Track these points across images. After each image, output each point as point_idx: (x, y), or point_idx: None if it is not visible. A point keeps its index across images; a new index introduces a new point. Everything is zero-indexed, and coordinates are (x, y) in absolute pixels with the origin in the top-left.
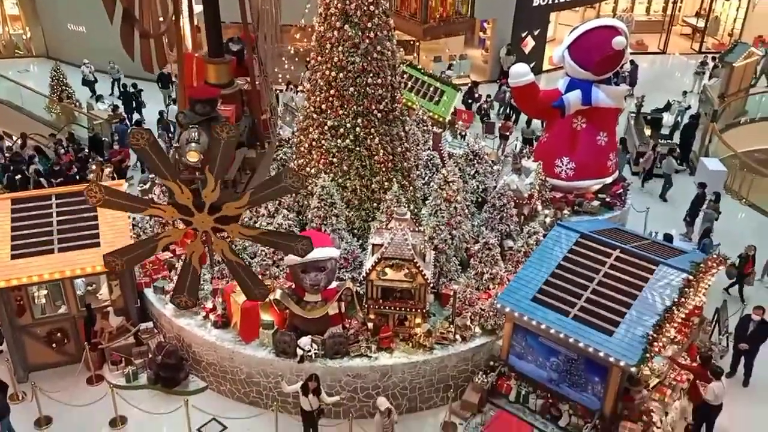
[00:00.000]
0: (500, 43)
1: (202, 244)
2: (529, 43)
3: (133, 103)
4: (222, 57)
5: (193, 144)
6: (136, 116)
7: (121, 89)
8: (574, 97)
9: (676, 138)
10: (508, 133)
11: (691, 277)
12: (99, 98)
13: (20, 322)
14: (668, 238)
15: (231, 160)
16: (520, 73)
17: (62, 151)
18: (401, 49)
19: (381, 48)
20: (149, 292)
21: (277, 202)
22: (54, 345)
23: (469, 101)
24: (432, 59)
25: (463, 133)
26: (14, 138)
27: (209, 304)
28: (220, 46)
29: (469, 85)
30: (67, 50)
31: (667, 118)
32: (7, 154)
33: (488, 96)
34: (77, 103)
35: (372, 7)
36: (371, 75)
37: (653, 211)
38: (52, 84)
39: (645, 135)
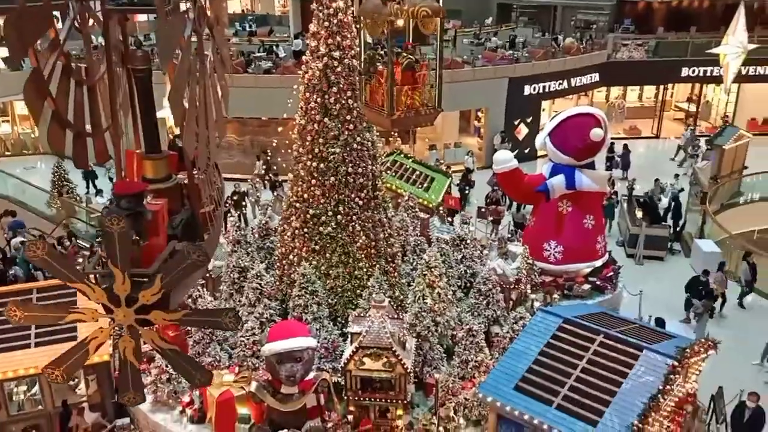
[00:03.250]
0: (494, 131)
1: (131, 339)
2: (523, 131)
3: None
4: (159, 152)
5: None
6: None
7: None
8: (557, 182)
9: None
10: (499, 218)
11: (676, 363)
12: (99, 192)
13: None
14: (660, 322)
15: (131, 250)
16: (504, 159)
17: (68, 244)
18: (398, 139)
19: (361, 139)
20: None
21: (258, 291)
22: None
23: (466, 188)
24: (428, 147)
25: (450, 220)
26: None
27: (186, 398)
28: (156, 142)
29: (464, 171)
30: (70, 147)
31: (663, 201)
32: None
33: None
34: (77, 198)
35: (351, 101)
36: (351, 165)
37: (649, 294)
38: (53, 180)
39: (637, 217)
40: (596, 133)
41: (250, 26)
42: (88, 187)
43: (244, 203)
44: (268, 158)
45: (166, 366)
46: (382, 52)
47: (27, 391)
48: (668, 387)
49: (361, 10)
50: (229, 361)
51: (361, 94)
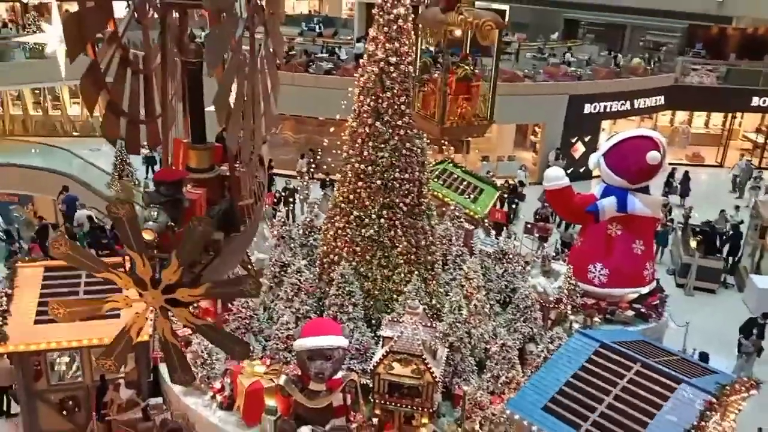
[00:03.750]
0: (549, 147)
1: (165, 319)
2: (580, 149)
3: None
4: (204, 143)
5: (150, 223)
6: None
7: None
8: (608, 204)
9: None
10: (547, 235)
11: (714, 400)
12: None
13: (36, 387)
14: (704, 356)
15: (200, 251)
16: (555, 176)
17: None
18: (451, 148)
19: (410, 145)
20: (163, 368)
21: (296, 286)
22: (65, 412)
23: (515, 201)
24: (480, 158)
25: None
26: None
27: (217, 384)
28: (202, 132)
29: (514, 185)
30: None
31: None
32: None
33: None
34: (136, 182)
35: (403, 107)
36: (399, 170)
37: (696, 327)
38: (115, 163)
39: (691, 247)
40: (653, 156)
41: (319, 27)
42: (147, 172)
43: (292, 200)
44: (312, 157)
45: (202, 351)
46: (437, 61)
47: (69, 363)
48: (703, 423)
49: (421, 17)
50: (262, 353)
51: (414, 101)
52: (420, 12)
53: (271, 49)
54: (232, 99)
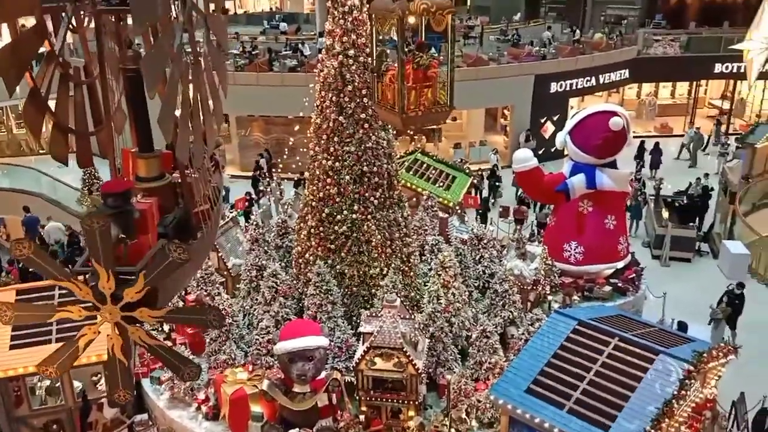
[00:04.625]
0: (519, 129)
1: (118, 335)
2: (549, 129)
3: None
4: (151, 151)
5: None
6: None
7: None
8: (577, 181)
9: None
10: (523, 218)
11: (692, 368)
12: None
13: (18, 413)
14: (682, 326)
15: (115, 248)
16: (524, 158)
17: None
18: (423, 137)
19: (376, 137)
20: (146, 383)
21: (274, 290)
22: None
23: (497, 184)
24: (452, 146)
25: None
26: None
27: (202, 395)
28: (149, 141)
29: (490, 169)
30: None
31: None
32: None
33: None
34: None
35: (365, 99)
36: (366, 163)
37: (674, 297)
38: (84, 178)
39: (663, 218)
40: (615, 122)
41: (282, 24)
42: None
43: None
44: (268, 157)
45: None
46: (389, 50)
47: (50, 387)
48: (683, 392)
49: (372, 7)
50: (244, 359)
51: (374, 93)
52: (371, 1)
53: (215, 43)
54: (177, 106)
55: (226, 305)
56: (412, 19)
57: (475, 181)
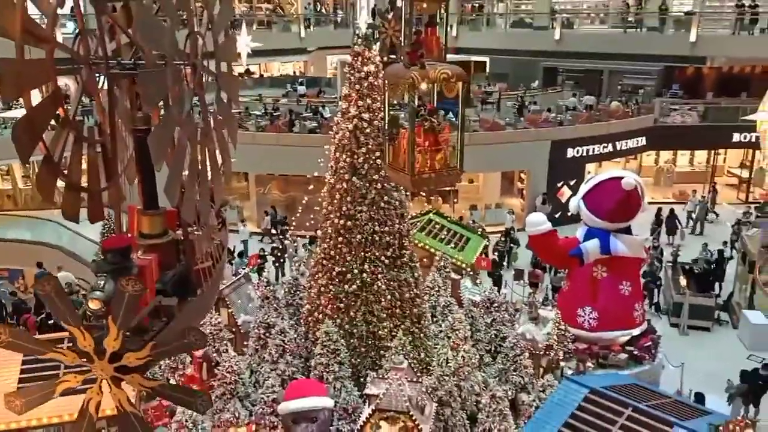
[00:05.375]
0: (535, 193)
1: (118, 389)
2: (566, 193)
3: None
4: (156, 209)
5: (96, 292)
6: None
7: None
8: (591, 246)
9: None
10: (537, 281)
11: None
12: None
13: None
14: (699, 397)
15: (136, 312)
16: (537, 222)
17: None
18: (439, 198)
19: (388, 198)
20: None
21: (281, 348)
22: None
23: (511, 246)
24: (468, 208)
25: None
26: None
27: None
28: (154, 198)
29: (505, 230)
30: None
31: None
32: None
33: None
34: None
35: (378, 161)
36: (378, 223)
37: (692, 367)
38: (103, 232)
39: (681, 285)
40: (628, 181)
41: (303, 87)
42: None
43: (282, 258)
44: (274, 214)
45: (186, 420)
46: (418, 114)
47: None
48: None
49: (386, 73)
50: (248, 418)
51: (386, 155)
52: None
53: (225, 99)
54: (184, 169)
55: (232, 362)
56: (424, 86)
57: (500, 246)
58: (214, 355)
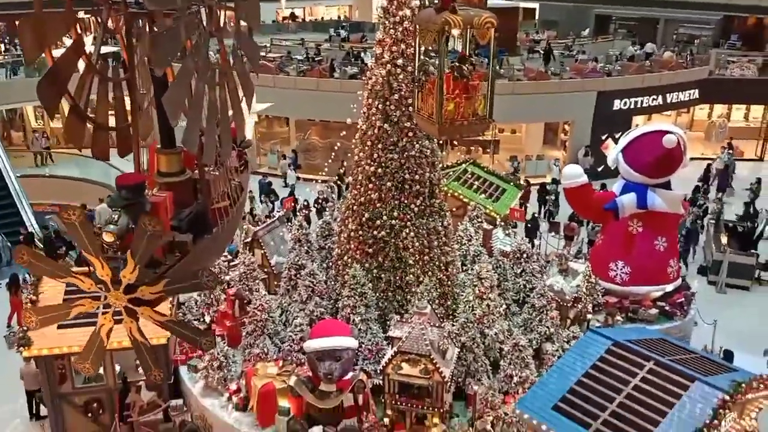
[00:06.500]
0: (578, 145)
1: (131, 319)
2: (611, 146)
3: None
4: (173, 148)
5: (110, 226)
6: None
7: None
8: (627, 200)
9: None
10: (573, 234)
11: (727, 397)
12: None
13: (61, 389)
14: (728, 355)
15: (154, 249)
16: (572, 174)
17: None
18: (479, 149)
19: (420, 146)
20: (183, 370)
21: (310, 289)
22: (90, 415)
23: (546, 198)
24: (508, 158)
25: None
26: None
27: (233, 386)
28: (171, 137)
29: (552, 180)
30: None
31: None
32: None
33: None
34: None
35: (411, 109)
36: (409, 171)
37: (728, 326)
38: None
39: (722, 243)
40: (669, 138)
41: (345, 32)
42: None
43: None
44: (294, 158)
45: (218, 353)
46: (466, 60)
47: None
48: (716, 422)
49: (417, 18)
50: (276, 354)
51: (415, 102)
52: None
53: (244, 59)
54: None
55: (263, 301)
56: (455, 32)
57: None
58: (247, 293)
